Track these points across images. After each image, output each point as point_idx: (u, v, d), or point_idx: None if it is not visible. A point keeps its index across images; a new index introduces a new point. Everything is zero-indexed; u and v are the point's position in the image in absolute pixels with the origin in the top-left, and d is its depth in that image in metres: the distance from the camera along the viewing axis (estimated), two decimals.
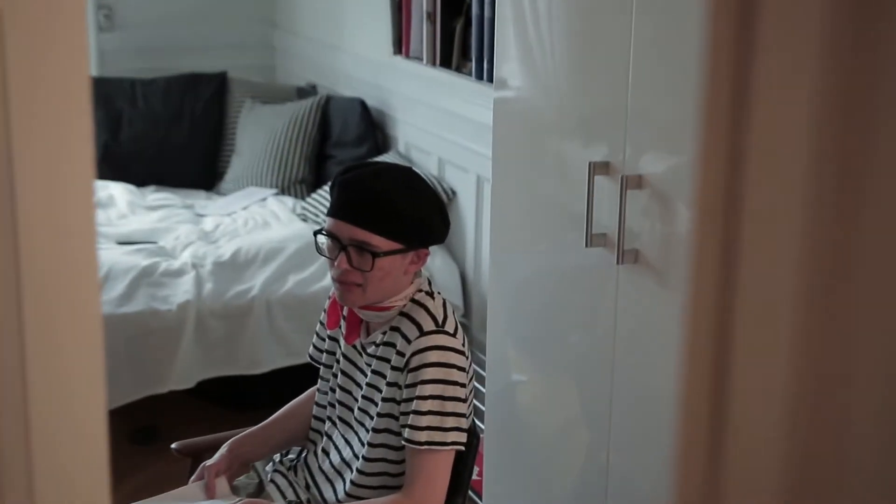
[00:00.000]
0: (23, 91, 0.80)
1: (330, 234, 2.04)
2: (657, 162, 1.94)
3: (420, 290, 2.10)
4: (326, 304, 2.22)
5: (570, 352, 2.27)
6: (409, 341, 2.04)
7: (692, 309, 1.88)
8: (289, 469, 2.29)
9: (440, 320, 2.06)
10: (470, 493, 2.81)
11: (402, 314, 2.08)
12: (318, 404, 2.27)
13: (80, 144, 0.81)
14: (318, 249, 2.09)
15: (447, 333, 2.05)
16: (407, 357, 2.03)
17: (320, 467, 2.22)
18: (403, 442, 2.04)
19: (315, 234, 2.09)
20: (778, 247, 1.85)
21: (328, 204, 2.09)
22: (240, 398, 3.83)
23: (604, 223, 2.06)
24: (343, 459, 2.17)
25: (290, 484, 2.26)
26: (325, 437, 2.24)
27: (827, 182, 1.81)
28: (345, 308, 2.15)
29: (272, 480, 2.28)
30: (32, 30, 0.80)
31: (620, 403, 2.11)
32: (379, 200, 2.01)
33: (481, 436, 2.40)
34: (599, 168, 2.05)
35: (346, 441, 2.18)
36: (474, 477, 2.50)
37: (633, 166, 1.98)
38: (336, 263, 2.03)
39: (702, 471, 1.94)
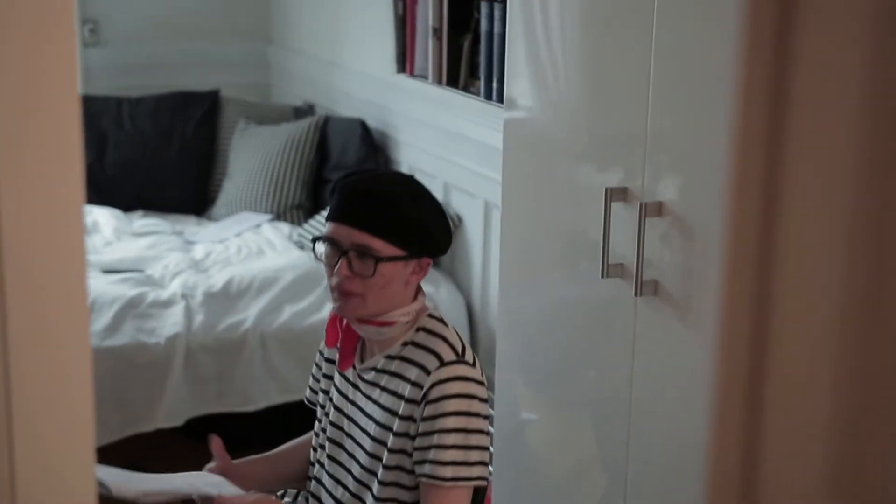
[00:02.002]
0: (7, 111, 0.80)
1: (329, 240, 2.06)
2: (679, 188, 1.94)
3: (431, 316, 2.11)
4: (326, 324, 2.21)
5: (585, 390, 2.26)
6: (427, 372, 2.04)
7: (722, 347, 1.86)
8: None
9: (459, 350, 2.07)
10: None
11: (416, 345, 2.08)
12: (312, 447, 2.27)
13: (69, 168, 0.81)
14: (316, 257, 2.10)
15: (468, 364, 2.06)
16: (425, 389, 2.03)
17: None
18: (425, 479, 2.02)
19: (313, 240, 2.10)
20: (818, 279, 1.82)
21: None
22: (231, 437, 3.81)
23: (621, 253, 2.06)
24: (338, 500, 2.16)
25: None
26: (314, 482, 2.23)
27: (876, 207, 1.77)
28: (342, 328, 2.14)
29: None
30: (18, 45, 0.80)
31: (638, 447, 2.09)
32: (381, 203, 2.03)
33: (489, 479, 2.38)
34: (616, 194, 2.05)
35: (337, 481, 2.17)
36: None
37: (652, 192, 1.98)
38: (336, 270, 2.04)
39: None
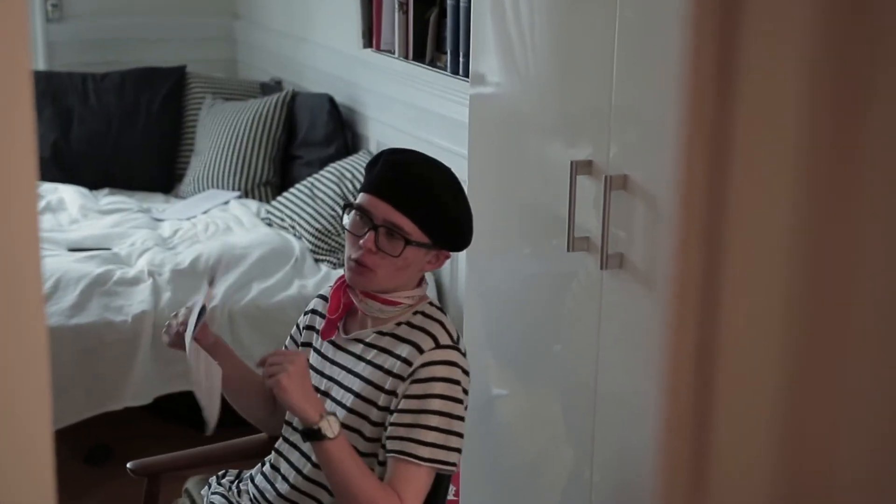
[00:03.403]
0: None
1: (362, 210, 2.05)
2: (643, 161, 1.94)
3: (431, 304, 2.12)
4: (328, 290, 2.19)
5: (553, 363, 2.27)
6: (420, 351, 2.04)
7: (675, 315, 1.88)
8: (229, 490, 2.28)
9: (455, 337, 2.08)
10: None
11: (411, 325, 2.08)
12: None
13: (21, 142, 0.80)
14: (342, 222, 2.12)
15: (461, 352, 2.07)
16: (415, 367, 2.02)
17: (279, 490, 2.19)
18: (399, 455, 2.01)
19: (344, 207, 2.11)
20: (765, 250, 1.86)
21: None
22: (199, 416, 3.80)
23: (587, 226, 2.06)
24: (299, 470, 2.15)
25: None
26: (275, 455, 2.22)
27: (816, 181, 1.82)
28: (343, 298, 2.13)
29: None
30: None
31: (604, 417, 2.11)
32: (425, 188, 2.06)
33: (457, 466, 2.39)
34: (582, 167, 2.05)
35: (302, 453, 2.16)
36: (450, 496, 2.49)
37: (617, 166, 1.98)
38: (362, 242, 2.04)
39: (686, 486, 1.95)
